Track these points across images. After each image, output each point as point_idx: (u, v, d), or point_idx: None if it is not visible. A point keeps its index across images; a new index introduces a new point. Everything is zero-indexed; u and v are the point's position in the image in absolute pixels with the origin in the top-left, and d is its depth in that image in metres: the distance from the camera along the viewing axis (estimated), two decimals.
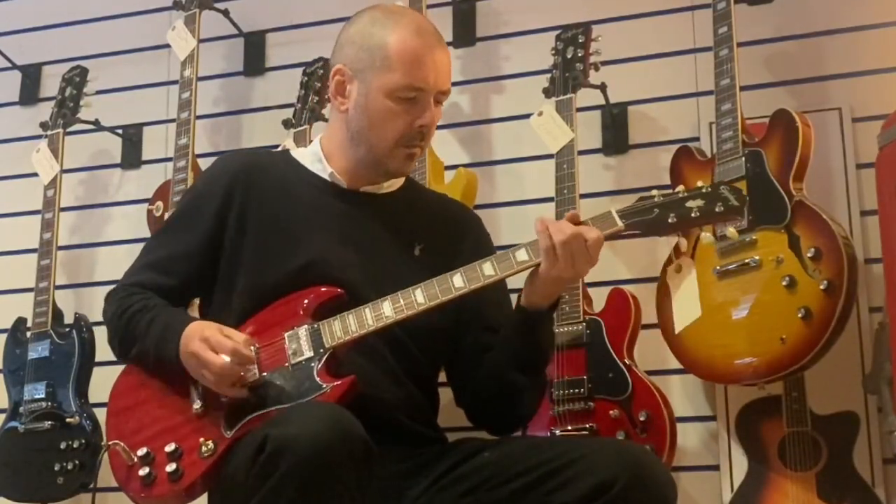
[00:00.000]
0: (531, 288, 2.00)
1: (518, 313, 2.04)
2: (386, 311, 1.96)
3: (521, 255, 1.96)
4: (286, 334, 1.99)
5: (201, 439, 1.93)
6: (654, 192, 1.99)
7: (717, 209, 1.93)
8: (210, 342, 1.93)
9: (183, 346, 1.97)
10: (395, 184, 2.20)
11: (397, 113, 2.06)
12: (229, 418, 1.94)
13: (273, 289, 2.05)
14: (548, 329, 2.09)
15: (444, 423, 2.21)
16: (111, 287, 2.21)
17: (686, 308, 2.05)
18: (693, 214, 1.94)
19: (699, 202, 1.94)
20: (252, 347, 1.96)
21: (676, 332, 2.15)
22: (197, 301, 2.27)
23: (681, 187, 2.00)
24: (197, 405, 1.97)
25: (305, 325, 1.98)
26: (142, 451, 1.97)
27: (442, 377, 2.25)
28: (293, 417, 1.75)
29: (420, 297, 1.95)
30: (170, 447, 1.95)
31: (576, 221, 1.95)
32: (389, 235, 2.14)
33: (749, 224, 2.52)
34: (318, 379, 1.93)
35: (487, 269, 1.96)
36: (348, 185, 2.15)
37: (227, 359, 1.91)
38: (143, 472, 1.95)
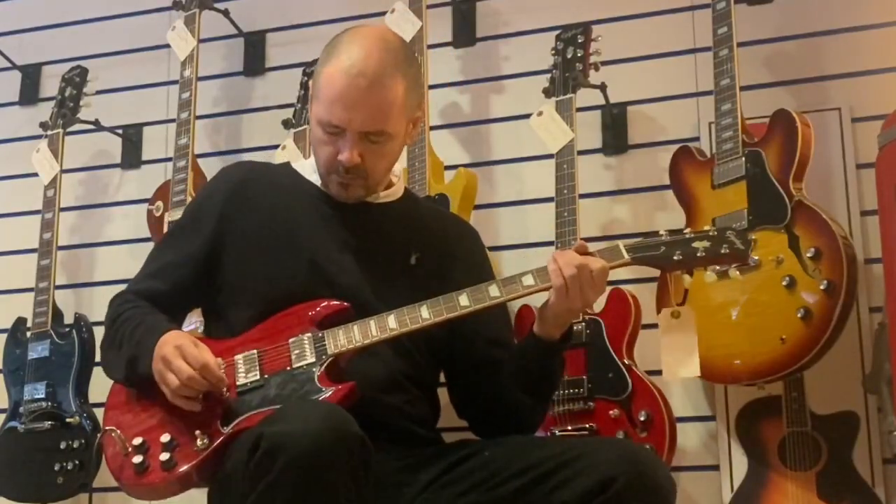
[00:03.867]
0: (543, 319, 2.04)
1: (531, 341, 2.07)
2: (391, 324, 1.99)
3: (528, 280, 2.00)
4: (291, 340, 2.00)
5: (197, 432, 1.93)
6: (662, 231, 2.04)
7: (722, 251, 1.99)
8: (183, 350, 1.94)
9: (157, 350, 1.97)
10: (391, 194, 2.22)
11: (324, 143, 2.09)
12: (227, 415, 1.94)
13: (272, 296, 2.06)
14: (560, 358, 2.11)
15: (444, 423, 2.21)
16: (112, 286, 2.23)
17: (682, 362, 2.06)
18: (699, 254, 1.99)
19: (705, 243, 1.99)
20: (223, 367, 1.97)
21: (666, 380, 2.17)
22: (199, 311, 2.29)
23: (688, 229, 2.05)
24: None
25: (310, 333, 2.00)
26: (137, 441, 1.98)
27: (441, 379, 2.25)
28: (288, 415, 1.75)
29: (426, 314, 1.99)
30: (165, 437, 1.96)
31: (583, 252, 2.00)
32: (386, 244, 2.15)
33: (749, 224, 2.53)
34: (318, 383, 1.94)
35: (493, 291, 2.00)
36: None
37: (194, 373, 1.92)
38: (137, 459, 1.96)
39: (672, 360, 2.09)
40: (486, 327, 2.15)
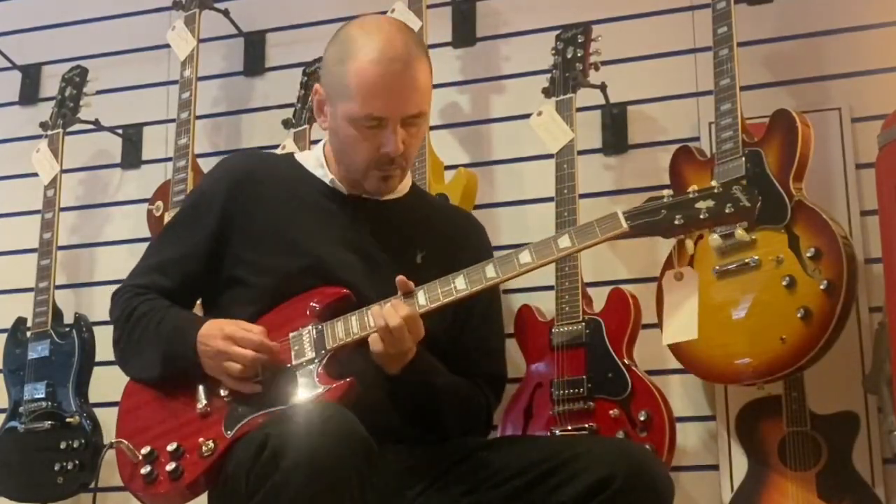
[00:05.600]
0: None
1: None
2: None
3: (525, 257, 1.94)
4: (291, 335, 2.00)
5: (201, 439, 1.93)
6: (665, 192, 1.94)
7: (726, 210, 1.88)
8: (235, 338, 1.95)
9: (203, 345, 1.97)
10: (399, 190, 2.19)
11: (362, 140, 2.04)
12: (230, 418, 1.94)
13: (275, 291, 2.05)
14: (416, 384, 2.02)
15: None
16: (112, 287, 2.21)
17: (681, 324, 1.97)
18: (701, 216, 1.89)
19: (709, 202, 1.89)
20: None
21: (664, 343, 2.12)
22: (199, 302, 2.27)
23: (694, 186, 1.94)
24: (201, 405, 1.98)
25: (310, 326, 1.99)
26: (145, 450, 1.97)
27: None
28: (294, 417, 1.75)
29: (422, 299, 1.95)
30: (171, 446, 1.95)
31: (405, 291, 1.95)
32: (392, 241, 2.13)
33: (749, 224, 2.52)
34: (317, 381, 1.93)
35: (490, 272, 1.95)
36: (349, 192, 2.15)
37: (254, 354, 1.94)
38: (146, 470, 1.96)
39: (672, 323, 2.02)
40: (483, 340, 2.16)
